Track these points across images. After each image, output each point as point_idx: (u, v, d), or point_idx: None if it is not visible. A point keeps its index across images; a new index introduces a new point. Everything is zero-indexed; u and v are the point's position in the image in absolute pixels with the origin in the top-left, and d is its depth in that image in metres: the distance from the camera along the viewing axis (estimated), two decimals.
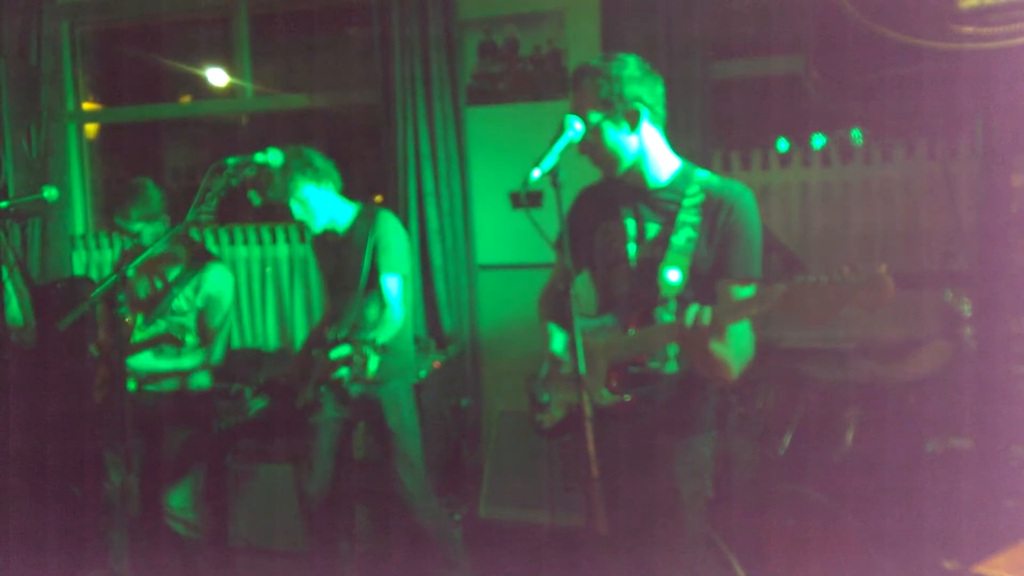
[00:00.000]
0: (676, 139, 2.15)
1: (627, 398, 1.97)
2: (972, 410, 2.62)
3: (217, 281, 2.99)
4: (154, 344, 2.91)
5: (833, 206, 3.63)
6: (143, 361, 2.93)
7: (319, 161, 2.79)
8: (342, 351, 2.45)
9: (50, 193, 3.20)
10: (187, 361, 2.97)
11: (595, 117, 1.97)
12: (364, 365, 2.39)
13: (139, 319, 2.94)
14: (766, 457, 2.96)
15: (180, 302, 2.94)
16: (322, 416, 2.86)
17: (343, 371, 2.50)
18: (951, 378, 2.79)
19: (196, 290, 2.97)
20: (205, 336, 3.00)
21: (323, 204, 2.81)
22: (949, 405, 2.75)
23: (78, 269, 4.48)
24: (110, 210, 2.95)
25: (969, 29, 1.56)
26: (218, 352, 3.07)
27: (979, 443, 2.60)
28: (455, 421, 3.77)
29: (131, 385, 2.89)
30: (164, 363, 2.95)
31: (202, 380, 3.04)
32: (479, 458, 3.82)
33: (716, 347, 1.79)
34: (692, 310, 1.76)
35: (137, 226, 2.87)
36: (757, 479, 2.94)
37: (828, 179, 3.64)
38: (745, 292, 1.91)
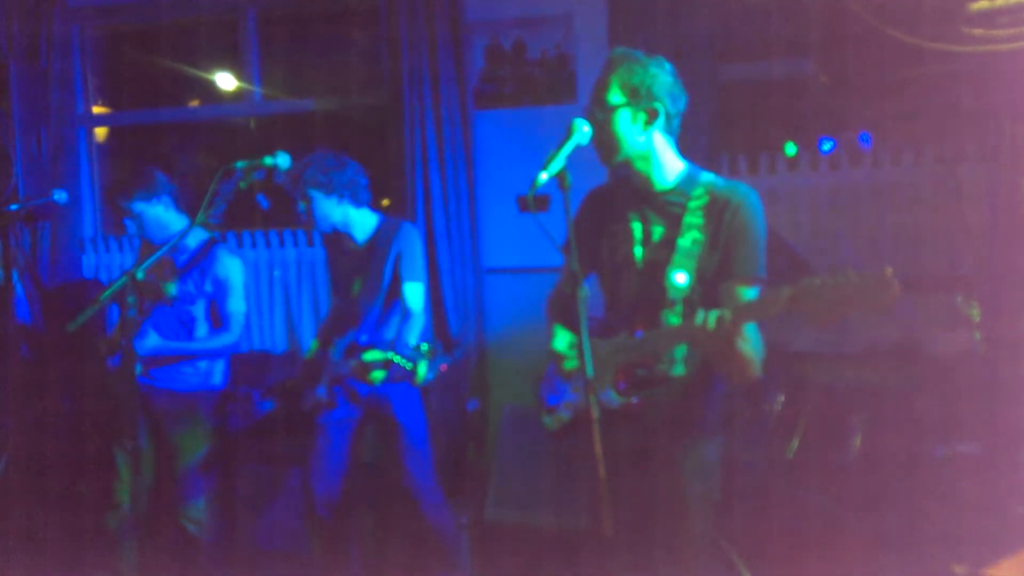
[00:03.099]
0: (683, 142, 2.14)
1: (634, 400, 1.97)
2: (981, 414, 2.61)
3: (224, 264, 2.96)
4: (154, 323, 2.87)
5: (841, 210, 3.62)
6: (150, 341, 2.86)
7: (341, 175, 2.83)
8: (378, 355, 2.48)
9: (60, 196, 3.22)
10: (202, 348, 2.96)
11: (617, 99, 1.97)
12: (415, 371, 2.43)
13: (147, 307, 2.93)
14: (774, 461, 2.96)
15: (189, 287, 2.94)
16: (333, 416, 2.88)
17: (378, 373, 2.53)
18: (960, 382, 2.78)
19: (203, 274, 2.95)
20: (219, 320, 2.98)
21: (329, 212, 2.85)
22: (958, 409, 2.74)
23: (87, 272, 4.49)
24: (110, 192, 2.94)
25: (979, 31, 1.56)
26: (237, 338, 3.00)
27: (988, 448, 2.59)
28: (461, 424, 3.76)
29: (137, 368, 2.85)
30: (175, 345, 2.92)
31: (215, 380, 3.04)
32: (485, 461, 3.82)
33: (741, 346, 1.79)
34: (712, 313, 1.75)
35: (138, 206, 2.86)
36: (765, 483, 2.93)
37: (836, 183, 3.63)
38: (749, 293, 1.92)
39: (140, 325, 2.93)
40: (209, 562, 3.01)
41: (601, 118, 1.97)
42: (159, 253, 2.50)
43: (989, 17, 1.56)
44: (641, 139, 2.00)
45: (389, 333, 2.86)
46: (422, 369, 2.43)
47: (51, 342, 3.65)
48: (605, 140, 2.00)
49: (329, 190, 2.80)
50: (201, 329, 2.97)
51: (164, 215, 2.93)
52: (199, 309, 2.96)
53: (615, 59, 2.01)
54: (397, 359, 2.44)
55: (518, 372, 2.88)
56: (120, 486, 3.01)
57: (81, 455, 3.46)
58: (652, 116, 1.97)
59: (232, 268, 2.97)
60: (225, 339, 2.97)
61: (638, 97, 1.96)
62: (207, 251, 2.97)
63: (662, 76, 1.97)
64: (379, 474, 3.21)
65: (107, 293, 2.31)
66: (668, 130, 2.02)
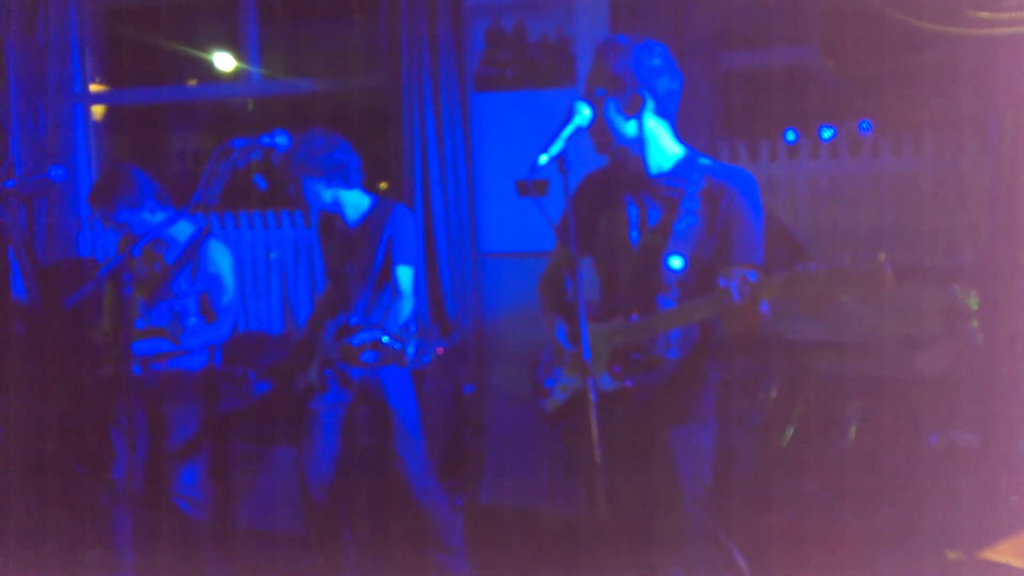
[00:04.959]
0: (684, 129, 2.14)
1: (628, 384, 1.97)
2: (977, 405, 2.61)
3: (215, 260, 2.95)
4: (151, 336, 2.88)
5: (841, 198, 3.61)
6: (146, 346, 2.89)
7: (329, 156, 2.79)
8: (366, 337, 2.48)
9: (56, 173, 3.19)
10: (193, 340, 2.95)
11: (602, 89, 1.97)
12: (403, 353, 2.44)
13: (140, 305, 2.93)
14: (768, 450, 2.96)
15: (180, 284, 2.93)
16: (324, 400, 2.88)
17: (367, 356, 2.53)
18: (956, 373, 2.78)
19: (194, 271, 2.94)
20: (210, 315, 2.98)
21: (319, 193, 2.83)
22: (954, 400, 2.74)
23: (84, 250, 4.48)
24: (91, 200, 2.85)
25: (986, 14, 1.54)
26: (228, 330, 3.02)
27: (984, 438, 2.60)
28: (458, 408, 3.77)
29: (136, 368, 2.88)
30: (168, 345, 2.93)
31: (200, 358, 3.03)
32: (481, 445, 3.82)
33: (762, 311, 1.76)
34: (732, 288, 1.74)
35: (123, 215, 2.83)
36: (759, 471, 2.94)
37: (836, 171, 3.62)
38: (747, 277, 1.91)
39: (136, 305, 2.93)
40: (202, 541, 3.01)
41: (591, 108, 1.96)
42: (149, 237, 2.48)
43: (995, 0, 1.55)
44: (631, 126, 1.99)
45: (379, 316, 2.86)
46: (411, 351, 2.44)
47: (47, 319, 3.64)
48: (596, 129, 2.00)
49: (318, 172, 2.77)
50: (191, 319, 2.97)
51: (151, 219, 2.89)
52: (191, 302, 2.97)
53: (599, 48, 2.00)
54: (386, 340, 2.45)
55: (515, 356, 2.87)
56: (115, 465, 3.01)
57: (77, 432, 3.45)
58: (638, 102, 1.96)
59: (223, 263, 2.97)
60: (218, 333, 2.99)
61: (622, 85, 1.95)
62: (197, 246, 2.95)
63: (647, 60, 1.96)
64: (373, 458, 3.22)
65: (104, 270, 2.30)
66: (661, 113, 2.01)
